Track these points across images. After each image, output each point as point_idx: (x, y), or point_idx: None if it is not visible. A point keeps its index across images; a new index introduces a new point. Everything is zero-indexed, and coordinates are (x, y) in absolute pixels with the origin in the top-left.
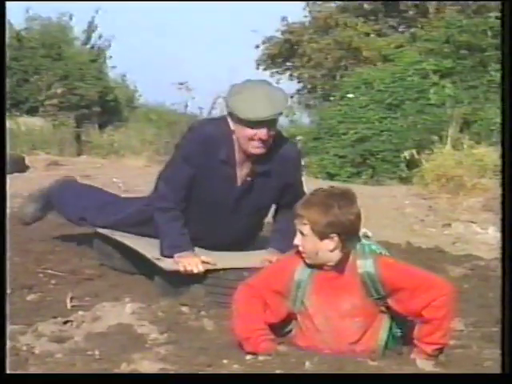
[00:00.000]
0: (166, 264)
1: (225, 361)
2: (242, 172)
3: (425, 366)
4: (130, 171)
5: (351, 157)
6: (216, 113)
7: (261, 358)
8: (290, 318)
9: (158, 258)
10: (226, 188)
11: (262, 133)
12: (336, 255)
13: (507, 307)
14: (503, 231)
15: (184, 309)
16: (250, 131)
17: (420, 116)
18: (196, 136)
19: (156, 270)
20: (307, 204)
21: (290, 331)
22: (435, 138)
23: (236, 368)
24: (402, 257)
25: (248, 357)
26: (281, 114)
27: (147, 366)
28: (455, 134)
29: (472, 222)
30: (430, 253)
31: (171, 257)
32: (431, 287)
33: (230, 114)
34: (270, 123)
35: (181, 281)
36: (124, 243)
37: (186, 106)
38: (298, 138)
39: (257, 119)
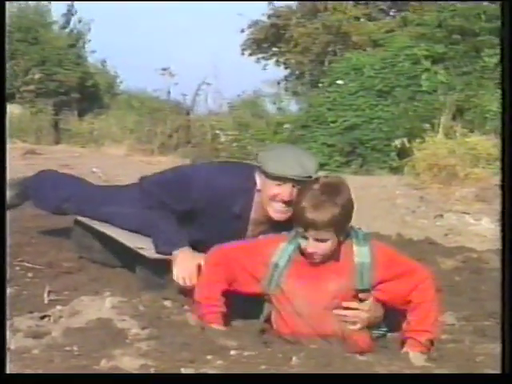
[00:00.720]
0: (150, 253)
1: (208, 356)
2: (254, 231)
3: (417, 360)
4: (111, 160)
5: (340, 146)
6: (200, 100)
7: (245, 353)
8: (260, 297)
9: (140, 247)
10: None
11: (286, 192)
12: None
13: (507, 304)
14: (503, 223)
15: (166, 303)
16: (273, 189)
17: (411, 103)
18: (211, 185)
19: (138, 261)
20: (324, 211)
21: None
22: (427, 125)
23: (220, 364)
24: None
25: (232, 352)
26: (309, 177)
27: (128, 362)
28: (447, 122)
29: (465, 212)
30: (422, 245)
31: (169, 254)
32: (415, 271)
33: (260, 170)
34: (295, 184)
35: (164, 272)
36: (104, 232)
37: (169, 92)
38: (286, 126)
39: (282, 175)
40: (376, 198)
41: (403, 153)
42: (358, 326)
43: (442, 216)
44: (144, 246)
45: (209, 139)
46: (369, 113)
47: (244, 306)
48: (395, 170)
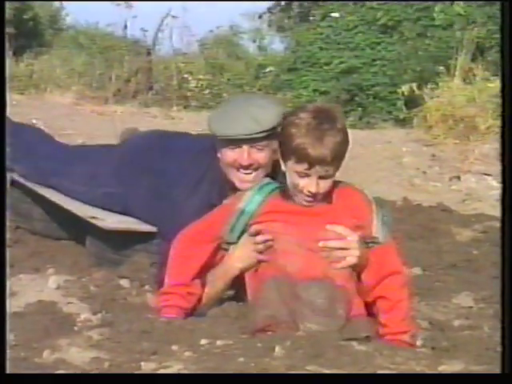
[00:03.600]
0: (105, 223)
1: (174, 347)
2: None
3: None
4: (55, 110)
5: (335, 93)
6: (164, 37)
7: (219, 342)
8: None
9: (92, 217)
10: None
11: (242, 156)
12: None
13: (507, 302)
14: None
15: (123, 282)
16: (228, 155)
17: (422, 40)
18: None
19: (88, 232)
20: (328, 142)
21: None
22: (440, 68)
23: (188, 356)
24: (398, 217)
25: (203, 341)
26: (264, 132)
27: (76, 354)
28: (466, 64)
29: (486, 174)
30: (433, 212)
31: None
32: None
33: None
34: (252, 144)
35: (120, 247)
36: (48, 198)
37: (126, 27)
38: (269, 69)
39: (228, 137)
40: (379, 156)
41: (412, 101)
42: (348, 261)
43: (458, 178)
44: (97, 215)
45: (175, 85)
46: (370, 53)
47: None
48: (402, 123)
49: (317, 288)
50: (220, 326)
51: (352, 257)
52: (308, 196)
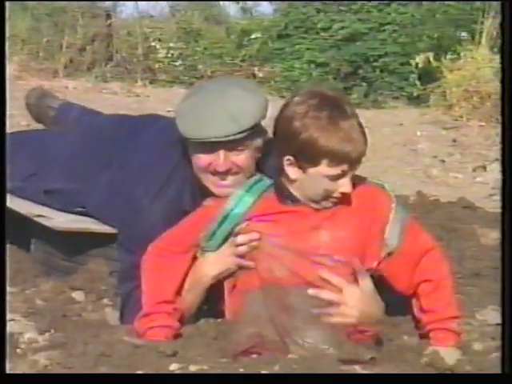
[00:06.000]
0: (54, 222)
1: (138, 372)
2: None
3: (451, 356)
4: None
5: (335, 64)
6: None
7: (192, 367)
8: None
9: (38, 215)
10: None
11: (219, 161)
12: None
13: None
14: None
15: (76, 295)
16: (202, 159)
17: (440, 1)
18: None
19: (34, 235)
20: (353, 135)
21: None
22: (463, 34)
23: None
24: (411, 215)
25: (172, 366)
26: (244, 132)
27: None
28: (493, 29)
29: None
30: (453, 209)
31: None
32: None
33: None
34: (230, 147)
35: (72, 252)
36: None
37: None
38: (254, 35)
39: (200, 140)
40: (388, 141)
41: (428, 75)
42: (344, 321)
43: (483, 168)
44: (44, 213)
45: (140, 55)
46: (377, 16)
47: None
48: (416, 101)
49: (310, 295)
50: (194, 348)
51: (350, 318)
52: (337, 198)
